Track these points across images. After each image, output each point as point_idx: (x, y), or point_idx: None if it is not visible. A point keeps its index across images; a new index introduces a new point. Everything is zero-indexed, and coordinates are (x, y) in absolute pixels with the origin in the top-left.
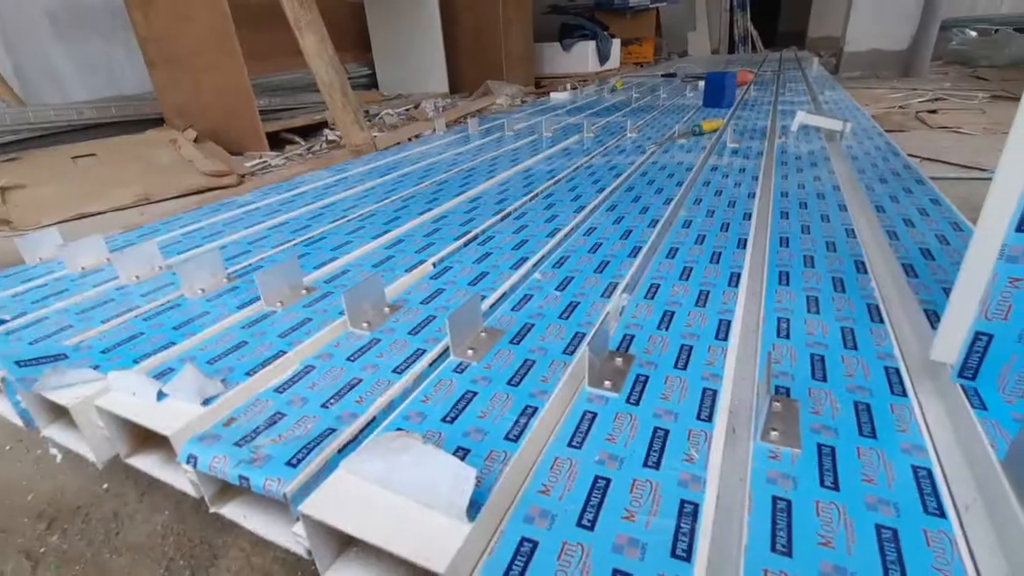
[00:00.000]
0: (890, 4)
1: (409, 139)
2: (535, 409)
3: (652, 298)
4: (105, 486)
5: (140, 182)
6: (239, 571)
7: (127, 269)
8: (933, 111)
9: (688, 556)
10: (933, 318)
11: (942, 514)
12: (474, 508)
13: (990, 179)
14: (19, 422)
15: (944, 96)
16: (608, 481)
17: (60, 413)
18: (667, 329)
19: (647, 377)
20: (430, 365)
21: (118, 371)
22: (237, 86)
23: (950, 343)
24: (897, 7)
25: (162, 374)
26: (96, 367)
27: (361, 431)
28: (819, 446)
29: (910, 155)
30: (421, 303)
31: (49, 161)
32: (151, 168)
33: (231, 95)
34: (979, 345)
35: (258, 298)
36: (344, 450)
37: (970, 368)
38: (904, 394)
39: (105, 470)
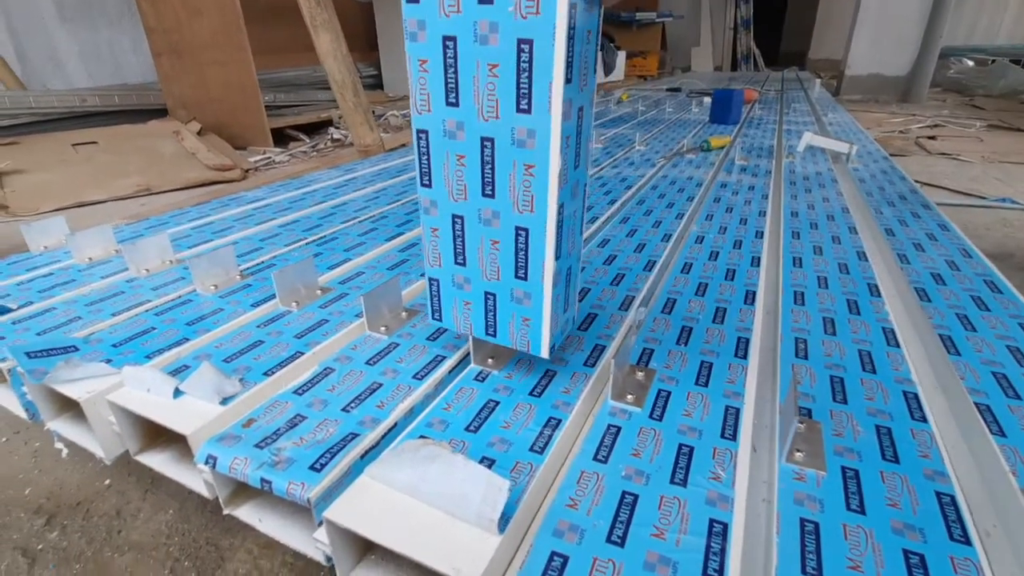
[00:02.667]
0: (891, 30)
1: None
2: (559, 421)
3: (669, 313)
4: (107, 482)
5: (142, 172)
6: (246, 575)
7: (137, 262)
8: (932, 137)
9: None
10: (948, 343)
11: (968, 542)
12: (503, 520)
13: (988, 207)
14: (23, 414)
15: (942, 123)
16: (636, 497)
17: (66, 406)
18: (686, 345)
19: (669, 392)
20: (450, 372)
21: (132, 366)
22: (244, 80)
23: None
24: (898, 33)
25: (177, 371)
26: (108, 361)
27: (383, 437)
28: (843, 469)
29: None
30: None
31: (49, 147)
32: (153, 159)
33: (237, 89)
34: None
35: (272, 296)
36: (366, 456)
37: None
38: (924, 420)
39: (108, 466)
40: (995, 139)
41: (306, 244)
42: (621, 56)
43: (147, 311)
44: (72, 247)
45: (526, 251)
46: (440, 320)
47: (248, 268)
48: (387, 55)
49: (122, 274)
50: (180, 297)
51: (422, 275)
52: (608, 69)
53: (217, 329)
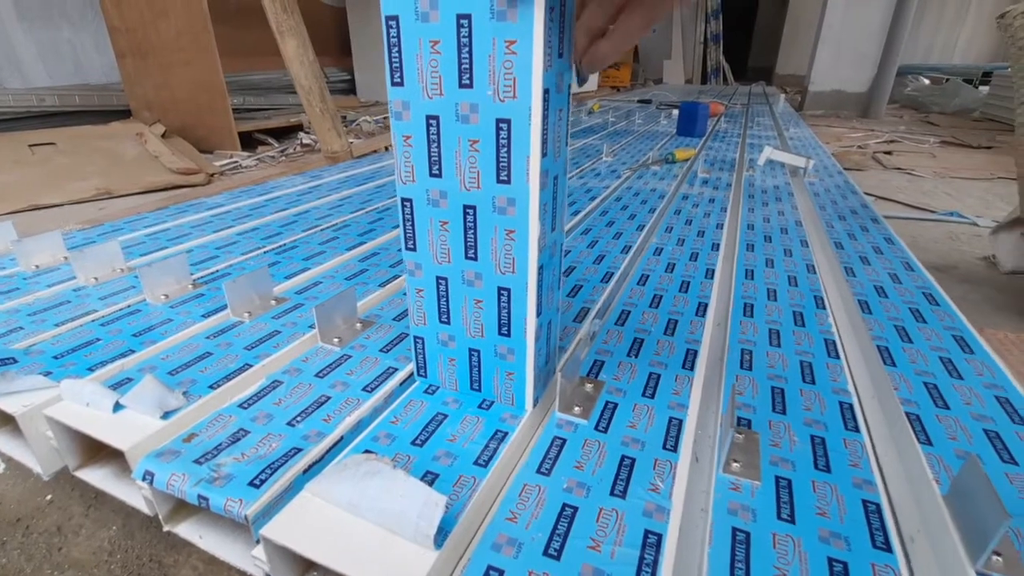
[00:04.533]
0: (851, 48)
1: (386, 148)
2: (505, 434)
3: (623, 325)
4: (49, 497)
5: (102, 175)
6: None
7: (86, 269)
8: (888, 152)
9: None
10: (885, 354)
11: (889, 548)
12: (441, 535)
13: (937, 221)
14: None
15: (899, 139)
16: (575, 509)
17: (4, 420)
18: (636, 356)
19: (616, 404)
20: (401, 384)
21: (71, 379)
22: (211, 83)
23: None
24: (858, 51)
25: (119, 384)
26: (47, 374)
27: (328, 451)
28: (777, 479)
29: (866, 193)
30: (394, 319)
31: (4, 148)
32: (114, 161)
33: (204, 91)
34: None
35: (225, 307)
36: (310, 471)
37: None
38: (857, 429)
39: (50, 480)
40: (947, 155)
41: (264, 253)
42: None
43: (93, 321)
44: (18, 254)
45: (509, 309)
46: (426, 377)
47: (202, 277)
48: (360, 60)
49: (69, 283)
50: (129, 307)
51: (381, 285)
52: (581, 80)
53: (164, 340)
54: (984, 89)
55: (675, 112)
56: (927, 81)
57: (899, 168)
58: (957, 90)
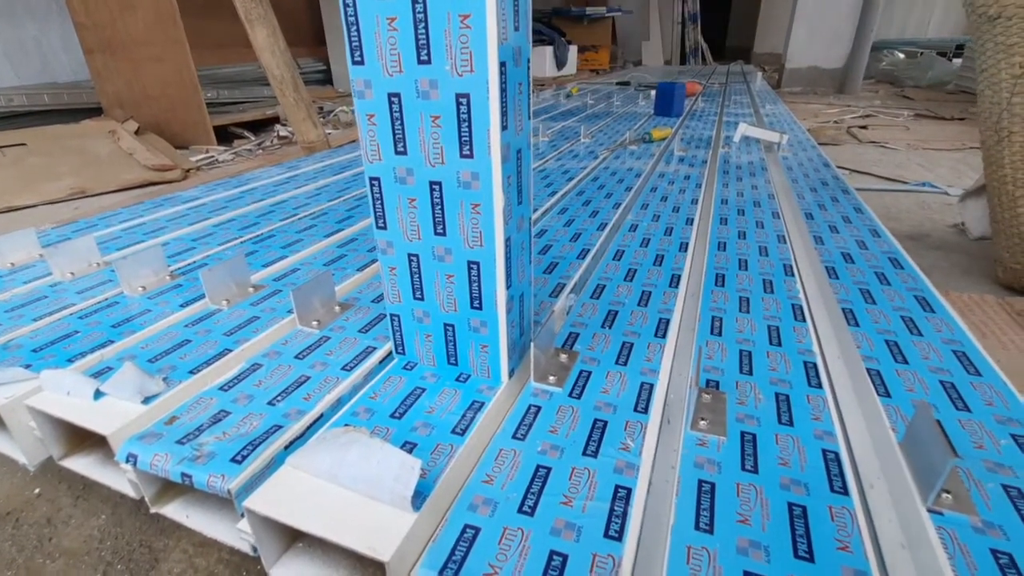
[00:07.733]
0: (826, 25)
1: None
2: (482, 404)
3: (598, 298)
4: (37, 491)
5: (75, 174)
6: (181, 573)
7: (61, 265)
8: (864, 126)
9: (620, 536)
10: (850, 316)
11: (846, 492)
12: (419, 499)
13: (909, 191)
14: None
15: (874, 113)
16: (549, 470)
17: None
18: (610, 327)
19: (590, 372)
20: (380, 363)
21: (51, 370)
22: (183, 77)
23: None
24: (832, 28)
25: (99, 373)
26: (27, 366)
27: (308, 428)
28: (742, 434)
29: (841, 167)
30: (372, 301)
31: None
32: (87, 160)
33: (176, 86)
34: None
35: (203, 296)
36: (291, 447)
37: None
38: (820, 386)
39: (37, 475)
40: (920, 127)
41: (241, 243)
42: (572, 50)
43: (71, 315)
44: None
45: (479, 282)
46: (404, 354)
47: (179, 268)
48: (335, 50)
49: (45, 279)
50: (106, 300)
51: (359, 269)
52: (560, 64)
53: (143, 330)
54: (958, 62)
55: (653, 93)
56: (902, 55)
57: (874, 142)
58: (931, 63)
